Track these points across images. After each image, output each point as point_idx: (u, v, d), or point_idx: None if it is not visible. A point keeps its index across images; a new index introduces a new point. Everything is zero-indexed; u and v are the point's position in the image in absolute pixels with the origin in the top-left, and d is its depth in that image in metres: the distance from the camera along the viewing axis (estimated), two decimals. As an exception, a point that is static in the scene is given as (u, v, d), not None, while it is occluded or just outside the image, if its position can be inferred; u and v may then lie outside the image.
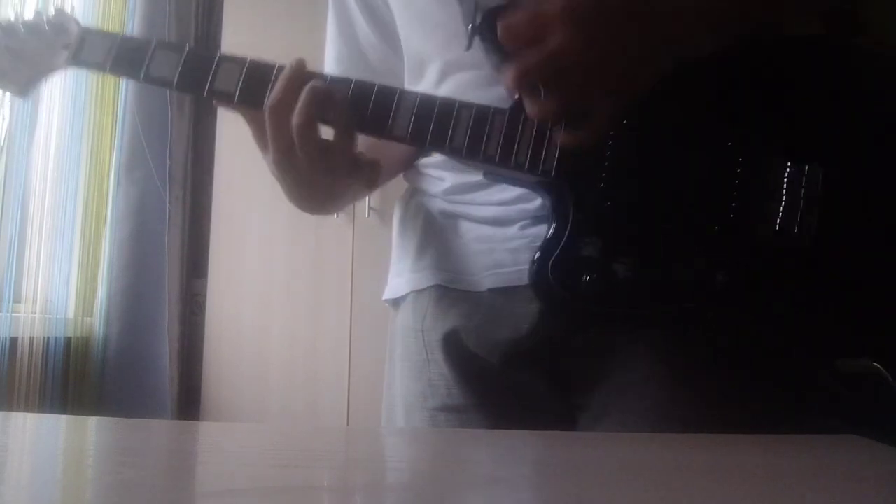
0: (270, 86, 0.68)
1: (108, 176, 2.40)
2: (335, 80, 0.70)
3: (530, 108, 0.65)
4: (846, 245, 0.67)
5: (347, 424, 2.28)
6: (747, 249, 0.66)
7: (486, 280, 0.77)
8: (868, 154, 0.68)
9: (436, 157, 0.82)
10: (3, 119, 2.07)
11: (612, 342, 0.73)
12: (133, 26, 2.39)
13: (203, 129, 2.64)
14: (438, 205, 0.83)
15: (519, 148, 0.67)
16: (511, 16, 0.64)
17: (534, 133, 0.67)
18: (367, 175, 0.71)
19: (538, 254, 0.67)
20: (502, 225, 0.76)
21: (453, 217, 0.81)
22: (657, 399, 0.72)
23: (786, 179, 0.66)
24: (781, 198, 0.65)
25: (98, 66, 0.73)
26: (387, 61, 0.86)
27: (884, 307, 0.67)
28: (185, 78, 0.70)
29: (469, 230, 0.80)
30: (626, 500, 0.38)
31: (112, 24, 2.36)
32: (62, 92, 2.27)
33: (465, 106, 0.68)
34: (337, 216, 2.32)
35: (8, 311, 2.05)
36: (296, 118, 0.67)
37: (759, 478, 0.44)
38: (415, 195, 0.88)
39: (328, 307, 2.35)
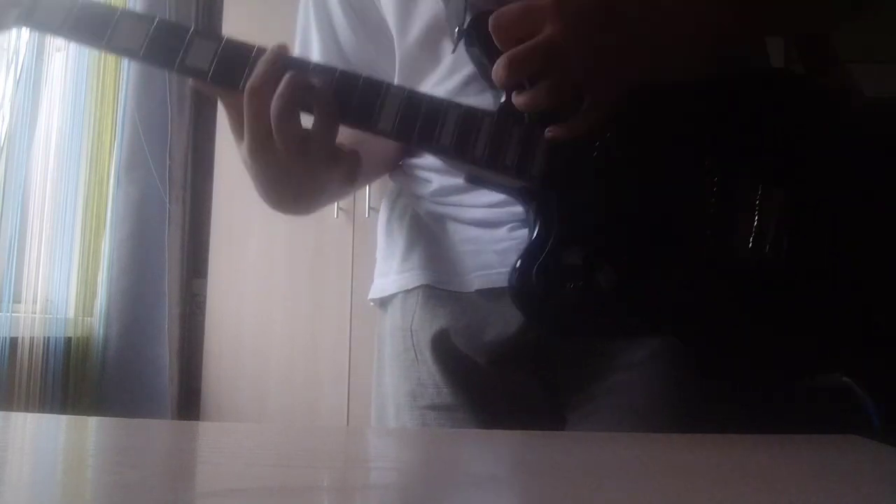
0: (248, 68, 0.65)
1: (108, 176, 2.40)
2: (319, 68, 0.68)
3: (519, 98, 0.64)
4: (816, 264, 0.68)
5: (347, 424, 2.28)
6: (723, 267, 0.67)
7: (474, 281, 0.77)
8: (834, 180, 0.70)
9: (422, 159, 0.82)
10: (3, 119, 2.07)
11: (599, 344, 0.74)
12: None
13: (203, 130, 2.64)
14: (425, 206, 0.83)
15: (507, 151, 0.66)
16: (502, 9, 0.63)
17: (522, 137, 0.66)
18: (346, 168, 0.69)
19: (520, 260, 0.67)
20: (490, 227, 0.77)
21: (440, 218, 0.81)
22: (641, 400, 0.72)
23: (758, 201, 0.67)
24: (754, 218, 0.66)
25: (53, 30, 0.67)
26: (366, 60, 0.85)
27: (854, 323, 0.68)
28: (153, 49, 0.66)
29: (456, 231, 0.80)
30: (624, 500, 0.38)
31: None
32: (62, 92, 2.27)
33: (453, 105, 0.67)
34: (337, 216, 2.32)
35: (8, 311, 2.05)
36: (275, 103, 0.64)
37: (759, 478, 0.44)
38: (401, 196, 0.87)
39: (328, 307, 2.35)
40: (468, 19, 0.68)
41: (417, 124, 0.66)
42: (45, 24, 0.68)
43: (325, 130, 0.66)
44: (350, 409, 2.29)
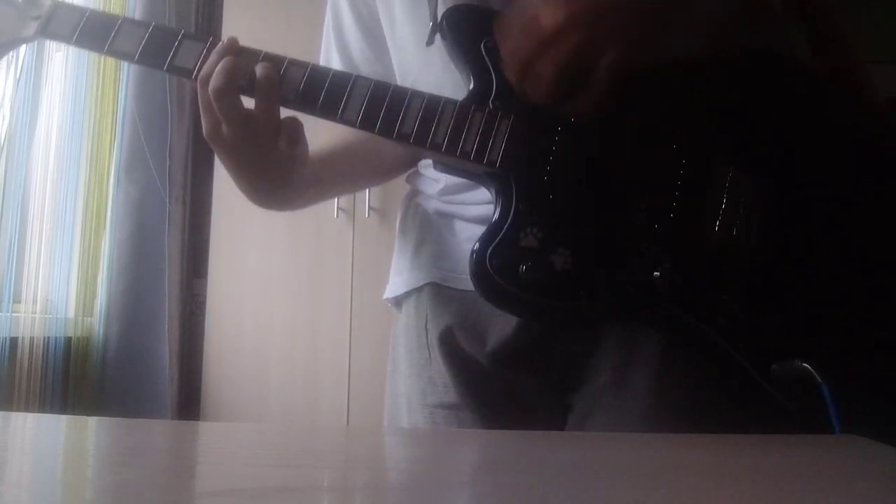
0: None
1: (108, 176, 2.40)
2: (293, 63, 0.71)
3: (533, 89, 0.65)
4: (784, 250, 0.68)
5: (347, 424, 2.28)
6: (687, 250, 0.67)
7: None
8: (809, 166, 0.69)
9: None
10: (3, 119, 2.07)
11: (597, 342, 0.74)
12: (133, 24, 2.38)
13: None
14: (434, 205, 0.84)
15: (466, 138, 0.68)
16: (504, 17, 0.66)
17: (481, 124, 0.68)
18: (289, 133, 0.71)
19: (478, 243, 0.67)
20: None
21: (448, 217, 0.82)
22: (640, 400, 0.72)
23: (727, 184, 0.66)
24: (722, 201, 0.66)
25: (64, 38, 0.74)
26: (380, 75, 0.85)
27: (818, 310, 0.67)
28: (146, 52, 0.72)
29: (462, 229, 0.81)
30: (626, 500, 0.38)
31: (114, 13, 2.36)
32: (62, 92, 2.27)
33: (416, 95, 0.69)
34: (337, 216, 2.32)
35: (8, 311, 2.05)
36: (211, 83, 0.68)
37: (758, 478, 0.44)
38: (414, 196, 0.88)
39: (328, 307, 2.35)
40: (441, 13, 0.71)
41: (381, 114, 0.69)
42: (58, 33, 0.74)
43: (265, 108, 0.70)
44: (350, 409, 2.29)
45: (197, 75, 0.70)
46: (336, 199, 2.32)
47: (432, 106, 0.69)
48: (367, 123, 0.69)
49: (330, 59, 0.90)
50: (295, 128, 0.72)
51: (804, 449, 0.54)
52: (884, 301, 0.68)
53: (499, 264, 0.66)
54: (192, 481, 0.41)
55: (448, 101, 0.69)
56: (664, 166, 0.68)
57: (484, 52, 0.70)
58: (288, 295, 2.39)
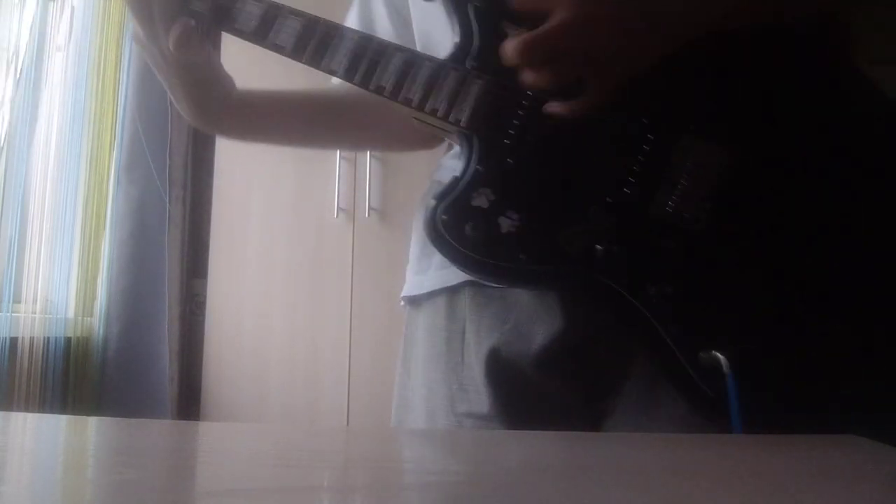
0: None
1: (108, 176, 2.40)
2: (292, 12, 0.72)
3: (525, 77, 0.68)
4: (733, 237, 0.67)
5: (347, 424, 2.28)
6: (635, 226, 0.67)
7: None
8: (778, 151, 0.69)
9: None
10: (3, 119, 2.07)
11: (632, 345, 0.73)
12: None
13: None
14: None
15: (438, 95, 0.70)
16: None
17: (454, 84, 0.70)
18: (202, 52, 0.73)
19: (434, 198, 0.69)
20: None
21: None
22: (671, 405, 0.71)
23: (688, 164, 0.67)
24: (679, 181, 0.67)
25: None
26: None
27: (750, 304, 0.67)
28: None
29: None
30: (627, 500, 0.38)
31: (114, 13, 2.36)
32: (62, 92, 2.27)
33: (399, 49, 0.72)
34: (337, 216, 2.32)
35: (8, 311, 2.05)
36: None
37: (758, 478, 0.44)
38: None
39: (328, 307, 2.35)
40: None
41: (362, 65, 0.71)
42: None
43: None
44: (350, 409, 2.29)
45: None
46: (336, 200, 2.32)
47: (410, 61, 0.71)
48: (348, 74, 0.72)
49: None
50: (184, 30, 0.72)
51: (805, 449, 0.54)
52: (836, 302, 0.67)
53: (448, 221, 0.68)
54: (192, 481, 0.41)
55: (426, 58, 0.71)
56: (629, 140, 0.68)
57: (470, 12, 0.71)
58: (288, 295, 2.39)
